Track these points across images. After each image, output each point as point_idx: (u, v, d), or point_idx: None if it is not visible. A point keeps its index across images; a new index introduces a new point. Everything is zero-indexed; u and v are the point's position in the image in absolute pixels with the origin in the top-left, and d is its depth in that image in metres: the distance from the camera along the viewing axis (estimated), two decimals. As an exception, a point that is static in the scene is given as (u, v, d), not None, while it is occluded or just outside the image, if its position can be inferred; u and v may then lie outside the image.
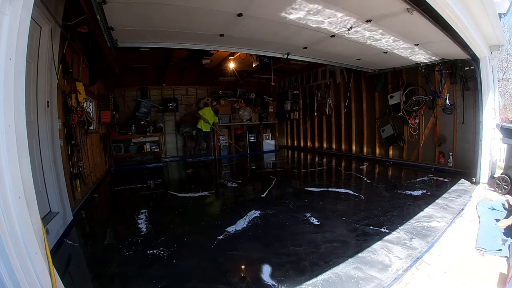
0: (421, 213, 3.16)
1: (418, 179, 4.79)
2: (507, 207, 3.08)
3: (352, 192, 4.18)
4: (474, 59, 4.39)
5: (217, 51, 5.05)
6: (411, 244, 2.43)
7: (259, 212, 3.42)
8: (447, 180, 4.67)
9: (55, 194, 2.97)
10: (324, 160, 7.60)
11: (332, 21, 3.22)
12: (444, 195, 3.81)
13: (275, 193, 4.38)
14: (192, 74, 7.80)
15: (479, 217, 2.98)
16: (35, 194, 1.19)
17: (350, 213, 3.32)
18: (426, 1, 2.51)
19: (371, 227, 2.83)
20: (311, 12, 2.95)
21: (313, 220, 3.10)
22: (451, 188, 4.15)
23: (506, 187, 3.74)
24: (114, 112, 7.37)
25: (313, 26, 3.36)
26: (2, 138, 1.01)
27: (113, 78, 6.74)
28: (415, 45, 4.16)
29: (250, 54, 5.62)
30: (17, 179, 1.06)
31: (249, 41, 4.10)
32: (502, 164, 4.46)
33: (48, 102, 2.90)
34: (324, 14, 3.03)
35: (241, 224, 3.05)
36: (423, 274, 2.00)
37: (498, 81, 8.28)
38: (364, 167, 6.24)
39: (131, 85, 8.28)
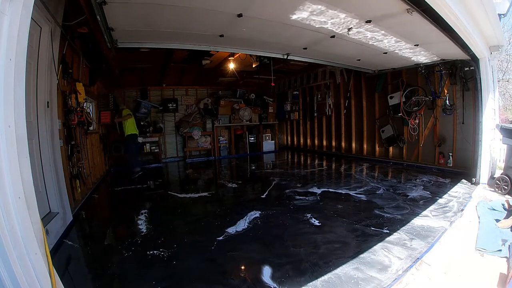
0: (421, 214, 3.16)
1: (418, 180, 4.79)
2: (507, 208, 3.08)
3: (352, 193, 4.18)
4: (474, 60, 4.40)
5: (217, 51, 5.05)
6: (411, 245, 2.43)
7: (259, 212, 3.41)
8: (447, 180, 4.67)
9: (55, 194, 2.96)
10: (324, 160, 7.60)
11: (335, 21, 3.22)
12: (444, 196, 3.82)
13: (275, 194, 4.38)
14: (192, 74, 7.80)
15: (479, 217, 2.98)
16: (35, 194, 1.18)
17: (350, 213, 3.33)
18: (425, 2, 2.51)
19: (372, 228, 2.83)
20: (314, 12, 2.96)
21: (313, 221, 3.10)
22: (451, 189, 4.15)
23: (506, 187, 3.74)
24: (114, 113, 7.36)
25: (316, 26, 3.36)
26: (2, 139, 1.01)
27: (113, 79, 6.74)
28: (415, 45, 4.17)
29: (250, 55, 5.62)
30: (17, 179, 1.06)
31: (249, 42, 4.10)
32: (502, 165, 4.46)
33: (48, 102, 2.91)
34: (326, 15, 3.03)
35: (241, 225, 3.05)
36: (423, 274, 2.00)
37: (498, 81, 8.29)
38: (364, 167, 6.24)
39: (131, 86, 8.29)
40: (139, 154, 7.21)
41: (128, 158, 6.63)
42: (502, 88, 12.40)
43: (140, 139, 7.20)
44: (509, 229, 2.62)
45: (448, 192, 3.97)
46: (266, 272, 2.09)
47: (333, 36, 3.74)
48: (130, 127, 6.55)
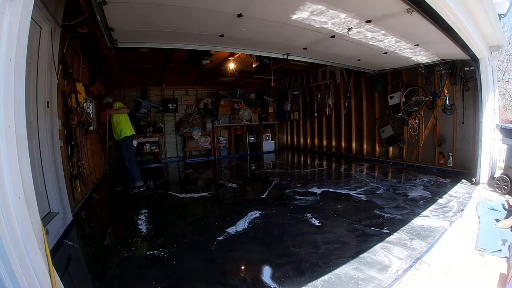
0: (421, 214, 3.16)
1: (418, 180, 4.79)
2: (507, 208, 3.08)
3: (352, 193, 4.18)
4: (474, 60, 4.40)
5: (217, 51, 5.05)
6: (411, 245, 2.43)
7: (259, 212, 3.42)
8: (447, 180, 4.67)
9: (55, 194, 2.96)
10: (324, 160, 7.60)
11: (335, 21, 3.21)
12: (444, 196, 3.82)
13: (275, 194, 4.38)
14: (192, 74, 7.80)
15: (479, 217, 2.98)
16: (35, 194, 1.18)
17: (350, 213, 3.33)
18: (425, 2, 2.51)
19: (372, 228, 2.83)
20: (314, 12, 2.96)
21: (313, 221, 3.10)
22: (451, 189, 4.15)
23: (506, 187, 3.74)
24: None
25: (317, 26, 3.36)
26: (2, 138, 1.01)
27: (113, 79, 6.74)
28: (415, 45, 4.17)
29: (250, 55, 5.63)
30: (17, 179, 1.06)
31: (249, 42, 4.10)
32: (502, 165, 4.46)
33: (48, 102, 2.91)
34: (326, 15, 3.03)
35: (241, 225, 3.05)
36: (423, 274, 2.00)
37: (498, 81, 8.30)
38: (364, 167, 6.24)
39: (131, 86, 8.29)
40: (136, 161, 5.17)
41: (129, 168, 4.78)
42: (502, 88, 12.41)
43: (135, 142, 5.27)
44: (509, 229, 2.62)
45: (448, 192, 3.97)
46: (266, 272, 2.09)
47: (333, 36, 3.74)
48: (126, 126, 4.78)
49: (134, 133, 4.94)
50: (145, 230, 3.05)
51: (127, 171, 4.87)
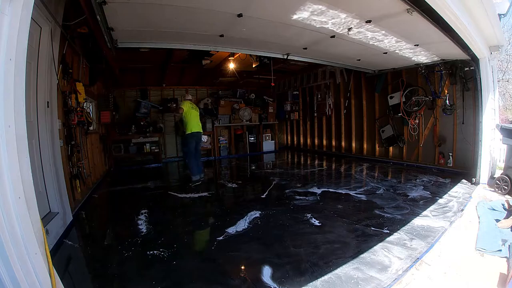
0: (421, 214, 3.16)
1: (418, 180, 4.79)
2: (507, 208, 3.08)
3: (352, 193, 4.18)
4: (474, 60, 4.40)
5: (217, 51, 5.05)
6: (411, 245, 2.43)
7: (259, 212, 3.41)
8: (447, 180, 4.67)
9: (55, 194, 2.96)
10: (324, 160, 7.60)
11: (335, 21, 3.22)
12: (444, 196, 3.82)
13: (275, 194, 4.38)
14: (192, 74, 7.80)
15: (479, 217, 2.98)
16: (35, 194, 1.18)
17: (350, 213, 3.32)
18: (425, 2, 2.51)
19: (372, 228, 2.83)
20: (315, 12, 2.96)
21: (313, 221, 3.10)
22: (451, 189, 4.15)
23: (506, 187, 3.74)
24: (114, 113, 7.37)
25: (317, 26, 3.36)
26: (2, 139, 1.01)
27: (113, 79, 6.74)
28: (415, 45, 4.17)
29: (250, 55, 5.63)
30: (17, 179, 1.06)
31: (249, 42, 4.10)
32: (502, 165, 4.46)
33: (48, 102, 2.90)
34: (327, 15, 3.03)
35: (241, 225, 3.05)
36: (423, 274, 2.00)
37: (498, 81, 8.29)
38: (364, 167, 6.24)
39: (131, 86, 8.29)
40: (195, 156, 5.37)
41: (187, 163, 5.37)
42: (502, 88, 12.41)
43: (204, 138, 5.62)
44: (509, 229, 2.62)
45: (448, 192, 3.97)
46: (266, 272, 2.09)
47: (333, 36, 3.74)
48: (188, 125, 5.17)
49: (195, 130, 5.16)
50: (145, 230, 3.05)
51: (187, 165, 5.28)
